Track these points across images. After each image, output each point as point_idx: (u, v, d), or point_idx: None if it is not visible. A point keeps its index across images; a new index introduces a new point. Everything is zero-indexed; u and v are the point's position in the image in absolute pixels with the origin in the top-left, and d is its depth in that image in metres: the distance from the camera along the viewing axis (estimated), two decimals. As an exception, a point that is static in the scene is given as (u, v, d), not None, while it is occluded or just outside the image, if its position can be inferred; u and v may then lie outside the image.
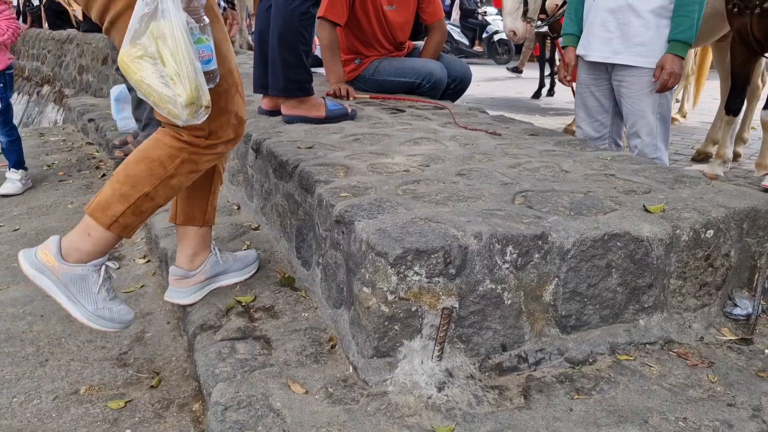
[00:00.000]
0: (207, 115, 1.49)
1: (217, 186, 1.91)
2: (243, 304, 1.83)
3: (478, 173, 1.90)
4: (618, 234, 1.52)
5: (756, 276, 1.75)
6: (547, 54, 8.47)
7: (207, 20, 1.50)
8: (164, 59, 1.38)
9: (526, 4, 4.60)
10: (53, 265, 1.56)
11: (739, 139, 4.77)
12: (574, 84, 3.09)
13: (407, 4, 3.41)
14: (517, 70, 10.97)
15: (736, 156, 4.73)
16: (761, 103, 3.95)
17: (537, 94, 8.32)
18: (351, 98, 3.23)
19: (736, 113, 4.05)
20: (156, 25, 1.37)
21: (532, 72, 9.74)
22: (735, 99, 4.00)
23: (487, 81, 10.07)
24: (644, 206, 1.65)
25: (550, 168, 1.99)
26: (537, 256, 1.47)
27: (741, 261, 1.72)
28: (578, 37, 2.94)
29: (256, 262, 2.03)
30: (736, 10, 3.68)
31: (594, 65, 2.84)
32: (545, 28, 7.45)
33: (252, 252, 2.06)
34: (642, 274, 1.57)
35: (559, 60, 3.02)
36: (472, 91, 8.18)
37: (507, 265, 1.45)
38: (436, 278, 1.39)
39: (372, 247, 1.41)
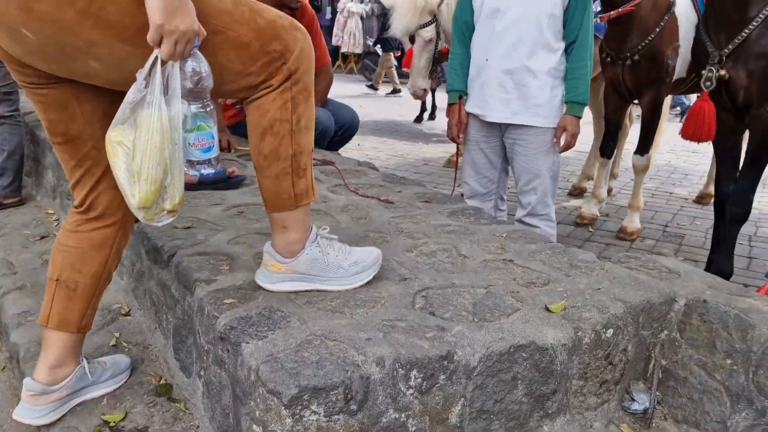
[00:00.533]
0: (172, 219, 1.41)
1: (105, 286, 1.67)
2: (111, 425, 1.60)
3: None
4: (523, 345, 1.45)
5: (650, 366, 1.76)
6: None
7: (212, 105, 1.42)
8: (135, 153, 1.32)
9: (434, 64, 4.59)
10: (285, 269, 1.57)
11: (611, 175, 5.01)
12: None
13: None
14: (373, 88, 11.57)
15: (609, 190, 4.97)
16: (633, 147, 4.14)
17: (419, 119, 8.40)
18: (232, 149, 3.02)
19: (609, 156, 4.23)
20: (140, 114, 1.31)
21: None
22: (608, 142, 4.17)
23: (367, 98, 10.07)
24: (546, 306, 1.60)
25: (448, 252, 1.91)
26: (442, 377, 1.37)
27: (637, 354, 1.72)
28: (465, 93, 2.90)
29: (128, 369, 1.80)
30: (609, 59, 3.83)
31: (487, 123, 2.81)
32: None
33: (124, 358, 1.82)
34: (547, 381, 1.52)
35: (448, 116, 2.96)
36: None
37: (411, 391, 1.34)
38: (336, 416, 1.25)
39: (263, 382, 1.25)
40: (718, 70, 2.76)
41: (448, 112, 2.95)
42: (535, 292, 1.68)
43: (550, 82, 2.67)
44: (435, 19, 4.35)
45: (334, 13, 16.48)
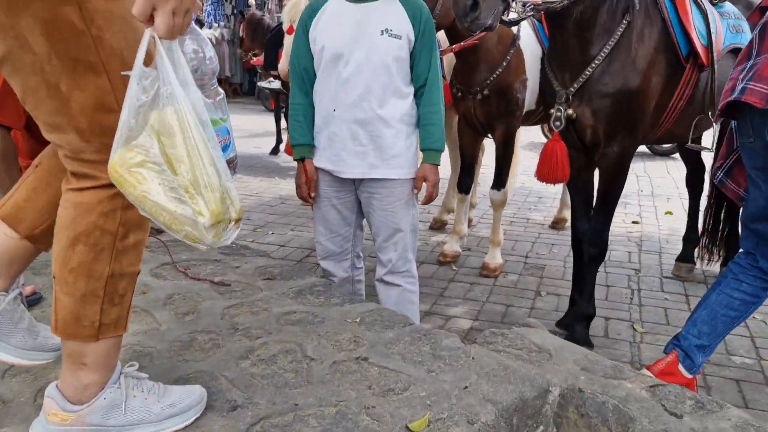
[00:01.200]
0: (239, 230, 1.14)
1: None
2: None
3: (200, 383, 1.44)
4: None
5: (528, 468, 1.56)
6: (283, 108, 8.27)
7: (222, 92, 1.16)
8: (174, 164, 1.05)
9: None
10: (72, 420, 1.21)
11: (470, 204, 4.95)
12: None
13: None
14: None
15: (469, 221, 4.90)
16: (488, 169, 4.06)
17: (275, 150, 8.06)
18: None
19: (467, 191, 4.14)
20: (158, 115, 1.04)
21: (268, 125, 9.49)
22: (465, 178, 4.08)
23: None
24: (407, 426, 1.34)
25: (291, 354, 1.61)
26: None
27: (513, 458, 1.51)
28: (312, 146, 2.61)
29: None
30: (459, 94, 3.73)
31: (340, 178, 2.55)
32: (278, 84, 7.26)
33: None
34: None
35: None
36: None
37: None
38: None
39: None
40: (566, 110, 2.69)
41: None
42: (394, 403, 1.42)
43: (404, 130, 2.46)
44: None
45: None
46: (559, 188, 6.06)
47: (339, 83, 2.44)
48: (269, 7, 14.09)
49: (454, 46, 3.44)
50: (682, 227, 4.80)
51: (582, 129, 2.72)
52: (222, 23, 14.98)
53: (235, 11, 15.34)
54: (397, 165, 2.47)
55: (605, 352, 2.99)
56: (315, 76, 2.53)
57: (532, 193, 6.27)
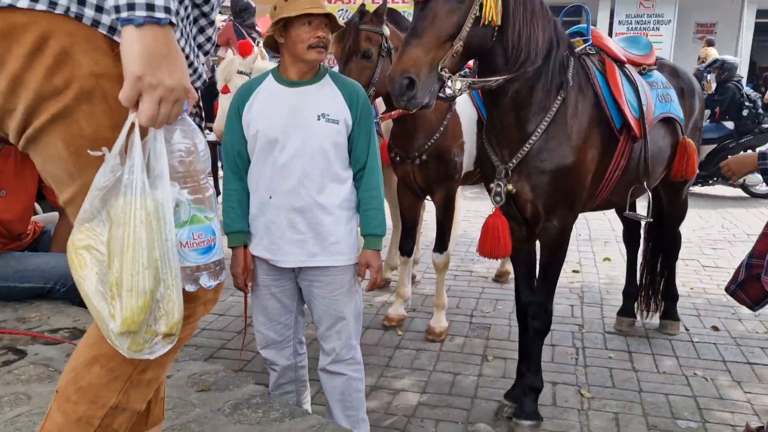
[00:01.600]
0: (169, 346, 1.09)
1: (168, 362, 1.26)
2: None
3: None
4: None
5: None
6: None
7: (211, 188, 1.13)
8: (111, 257, 1.02)
9: None
10: None
11: (414, 261, 4.90)
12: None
13: (23, 189, 2.64)
14: None
15: (413, 278, 4.85)
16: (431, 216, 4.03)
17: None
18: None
19: (409, 254, 4.09)
20: (115, 203, 1.02)
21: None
22: (407, 241, 4.04)
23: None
24: None
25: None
26: None
27: None
28: (248, 233, 2.49)
29: None
30: (398, 159, 3.71)
31: (279, 267, 2.44)
32: (214, 137, 7.11)
33: None
34: None
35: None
36: None
37: None
38: None
39: None
40: (505, 185, 2.67)
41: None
42: None
43: (344, 216, 2.40)
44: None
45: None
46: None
47: (275, 170, 2.36)
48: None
49: (393, 112, 3.42)
50: (620, 275, 4.89)
51: (522, 204, 2.71)
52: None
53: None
54: (337, 252, 2.39)
55: (554, 423, 2.96)
56: (249, 160, 2.44)
57: (473, 242, 6.26)
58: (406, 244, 4.04)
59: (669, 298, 4.03)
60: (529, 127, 2.59)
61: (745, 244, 6.27)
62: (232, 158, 2.46)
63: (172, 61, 1.02)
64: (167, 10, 1.02)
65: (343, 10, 13.21)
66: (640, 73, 3.01)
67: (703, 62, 12.53)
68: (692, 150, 3.16)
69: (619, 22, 17.38)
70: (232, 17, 7.13)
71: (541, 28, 2.47)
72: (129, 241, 1.01)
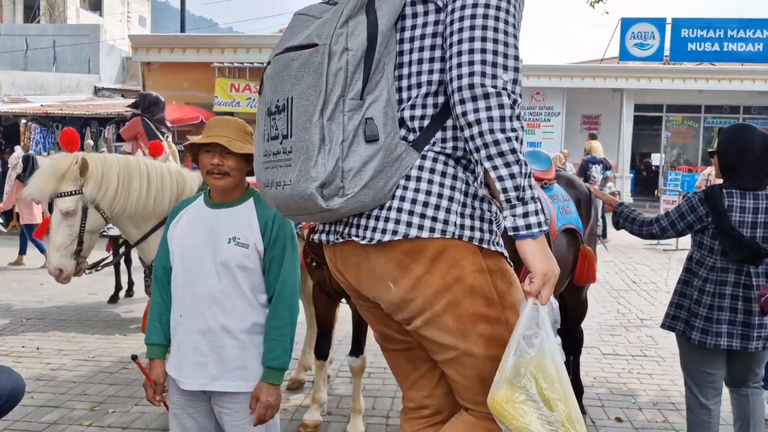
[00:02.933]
0: None
1: None
2: None
3: None
4: None
5: None
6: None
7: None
8: (551, 403, 1.35)
9: (80, 243, 3.79)
10: None
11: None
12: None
13: None
14: None
15: (327, 377, 4.78)
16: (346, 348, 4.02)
17: (114, 298, 7.50)
18: None
19: (325, 357, 4.06)
20: (537, 362, 1.37)
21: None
22: (323, 344, 4.02)
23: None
24: None
25: None
26: None
27: None
28: (166, 347, 2.46)
29: None
30: (315, 264, 3.72)
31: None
32: (113, 230, 6.86)
33: None
34: None
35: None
36: (25, 296, 6.80)
37: None
38: None
39: None
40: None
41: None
42: None
43: (251, 341, 2.36)
44: (80, 191, 3.64)
45: (4, 166, 14.68)
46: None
47: (186, 289, 2.37)
48: (105, 136, 13.63)
49: (311, 222, 3.45)
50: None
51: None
52: (52, 151, 14.18)
53: (57, 145, 14.65)
54: (241, 377, 2.34)
55: None
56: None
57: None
58: (322, 347, 4.01)
59: (576, 392, 4.19)
60: None
61: (639, 329, 6.68)
62: (158, 271, 2.49)
63: (551, 256, 1.49)
64: (545, 222, 1.51)
65: (250, 99, 13.44)
66: (542, 187, 3.24)
67: (588, 153, 13.53)
68: (591, 257, 3.39)
69: (514, 113, 18.59)
70: (139, 112, 7.06)
71: None
72: (565, 385, 1.38)
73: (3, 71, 18.60)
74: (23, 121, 14.61)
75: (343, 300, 3.97)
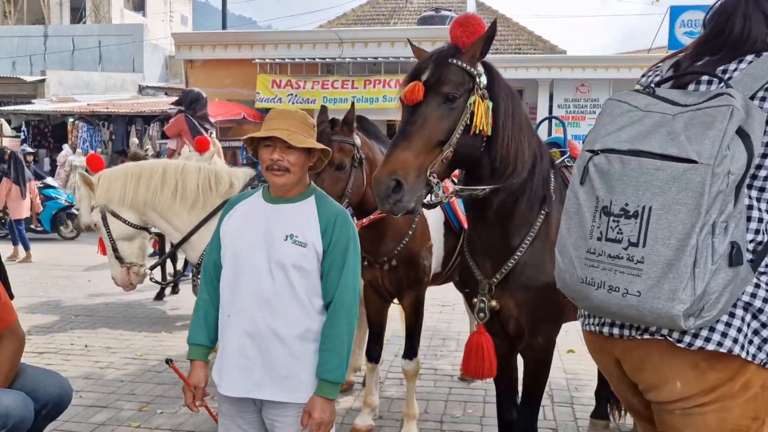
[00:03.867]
0: None
1: None
2: None
3: None
4: None
5: None
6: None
7: None
8: None
9: (115, 250, 3.93)
10: None
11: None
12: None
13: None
14: None
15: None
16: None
17: (160, 295, 7.49)
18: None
19: (377, 360, 3.92)
20: None
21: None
22: (374, 346, 3.88)
23: (99, 268, 8.85)
24: None
25: None
26: None
27: None
28: (210, 348, 2.34)
29: None
30: (366, 263, 3.58)
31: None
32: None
33: None
34: None
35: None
36: (74, 292, 6.87)
37: None
38: None
39: None
40: (489, 301, 2.57)
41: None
42: None
43: (301, 349, 2.18)
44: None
45: (53, 164, 14.96)
46: (465, 327, 5.96)
47: (235, 287, 2.23)
48: (150, 133, 13.74)
49: (364, 220, 3.31)
50: (587, 369, 4.81)
51: (506, 320, 2.61)
52: (99, 149, 14.39)
53: (113, 137, 14.86)
54: (290, 387, 2.17)
55: None
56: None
57: (435, 335, 6.12)
58: (374, 349, 3.87)
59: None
60: (514, 240, 2.52)
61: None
62: (207, 268, 2.36)
63: None
64: None
65: (292, 95, 13.37)
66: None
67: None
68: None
69: (558, 106, 18.17)
70: (183, 108, 7.01)
71: (527, 141, 2.45)
72: None
73: (51, 71, 18.99)
74: (71, 119, 14.85)
75: (395, 300, 3.83)
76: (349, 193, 3.13)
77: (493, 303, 2.56)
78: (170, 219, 3.75)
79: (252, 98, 13.54)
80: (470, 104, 2.28)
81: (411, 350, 3.72)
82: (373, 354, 3.87)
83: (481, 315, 2.58)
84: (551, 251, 2.52)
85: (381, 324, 3.87)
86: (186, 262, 5.22)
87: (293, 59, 13.60)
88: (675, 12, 17.91)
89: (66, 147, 13.97)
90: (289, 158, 2.15)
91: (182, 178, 3.68)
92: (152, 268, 4.29)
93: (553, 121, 2.84)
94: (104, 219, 3.76)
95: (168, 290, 7.59)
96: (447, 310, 6.91)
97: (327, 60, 13.52)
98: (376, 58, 13.12)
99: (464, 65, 2.30)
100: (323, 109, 3.32)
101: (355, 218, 3.54)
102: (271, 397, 2.18)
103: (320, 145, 2.24)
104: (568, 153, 2.85)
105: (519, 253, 2.51)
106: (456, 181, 3.04)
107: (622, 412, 3.95)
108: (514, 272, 2.53)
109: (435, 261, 3.69)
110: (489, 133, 2.33)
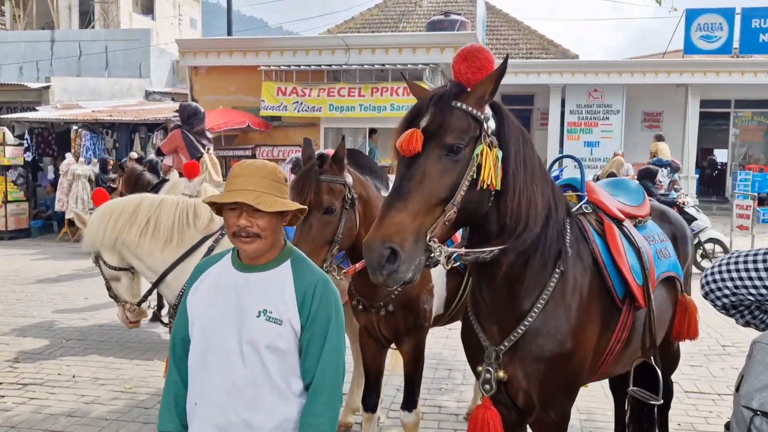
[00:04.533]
0: None
1: None
2: None
3: None
4: None
5: None
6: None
7: None
8: None
9: (110, 289, 3.86)
10: None
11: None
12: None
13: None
14: None
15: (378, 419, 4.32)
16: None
17: (156, 317, 7.18)
18: None
19: (373, 410, 3.60)
20: None
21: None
22: (370, 395, 3.57)
23: (94, 280, 8.58)
24: None
25: None
26: None
27: None
28: None
29: None
30: (361, 307, 3.27)
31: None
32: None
33: None
34: None
35: None
36: (69, 312, 6.53)
37: None
38: None
39: None
40: (496, 371, 2.25)
41: None
42: None
43: None
44: None
45: (57, 173, 14.76)
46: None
47: (203, 372, 1.93)
48: (153, 142, 13.48)
49: (357, 264, 3.00)
50: (602, 408, 4.49)
51: (514, 392, 2.29)
52: (104, 157, 14.15)
53: (117, 145, 14.64)
54: None
55: None
56: None
57: (439, 365, 5.79)
58: (370, 399, 3.56)
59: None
60: (524, 304, 2.20)
61: (722, 359, 5.99)
62: (176, 342, 2.07)
63: None
64: None
65: (297, 102, 13.09)
66: (636, 225, 2.68)
67: (653, 156, 12.70)
68: (693, 309, 2.82)
69: (570, 112, 17.79)
70: (180, 123, 6.74)
71: (540, 191, 2.13)
72: None
73: (56, 77, 18.80)
74: (74, 127, 14.64)
75: (392, 346, 3.51)
76: (339, 239, 2.82)
77: (501, 374, 2.24)
78: (142, 258, 3.49)
79: (257, 105, 13.28)
80: (477, 155, 1.96)
81: (411, 401, 3.41)
82: (370, 403, 3.56)
83: (487, 387, 2.26)
84: (566, 316, 2.22)
85: (378, 371, 3.56)
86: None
87: (299, 66, 13.32)
88: (691, 15, 17.49)
89: (69, 155, 13.74)
90: (258, 222, 1.84)
91: (156, 214, 3.41)
92: (138, 304, 4.02)
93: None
94: (97, 261, 3.71)
95: (164, 311, 7.30)
96: (454, 334, 6.54)
97: (333, 67, 13.23)
98: (383, 65, 12.81)
99: (470, 109, 1.98)
100: (308, 143, 3.00)
101: (348, 260, 3.24)
102: None
103: (294, 206, 1.92)
104: (586, 198, 2.52)
105: (530, 318, 2.19)
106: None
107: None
108: (525, 339, 2.21)
109: (437, 302, 3.38)
110: (498, 187, 2.01)
